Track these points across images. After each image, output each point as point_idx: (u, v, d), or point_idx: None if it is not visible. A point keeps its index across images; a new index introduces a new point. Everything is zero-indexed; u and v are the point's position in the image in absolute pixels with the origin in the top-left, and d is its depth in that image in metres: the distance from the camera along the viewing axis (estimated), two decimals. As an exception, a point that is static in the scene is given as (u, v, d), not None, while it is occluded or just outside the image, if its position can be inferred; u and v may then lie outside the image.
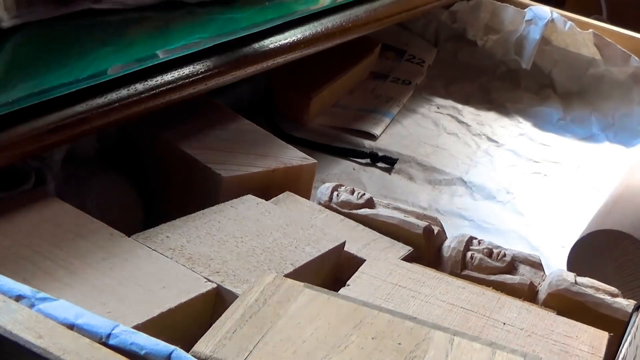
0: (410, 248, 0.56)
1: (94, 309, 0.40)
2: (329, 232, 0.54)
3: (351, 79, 0.94)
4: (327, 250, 0.52)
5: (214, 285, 0.45)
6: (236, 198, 0.56)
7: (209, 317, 0.45)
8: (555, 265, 0.66)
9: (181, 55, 0.60)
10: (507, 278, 0.54)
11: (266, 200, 0.57)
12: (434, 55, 1.03)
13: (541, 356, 0.45)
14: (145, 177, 0.64)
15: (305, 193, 0.65)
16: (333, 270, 0.54)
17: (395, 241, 0.57)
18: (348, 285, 0.49)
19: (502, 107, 0.96)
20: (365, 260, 0.53)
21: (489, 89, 0.99)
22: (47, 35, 0.58)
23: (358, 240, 0.56)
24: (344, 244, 0.54)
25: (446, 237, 0.58)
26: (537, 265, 0.55)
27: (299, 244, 0.51)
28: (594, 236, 0.63)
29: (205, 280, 0.45)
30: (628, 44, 0.96)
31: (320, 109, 0.89)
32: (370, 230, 0.58)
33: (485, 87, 0.99)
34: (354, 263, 0.53)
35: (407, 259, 0.55)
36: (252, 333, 0.40)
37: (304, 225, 0.54)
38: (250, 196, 0.57)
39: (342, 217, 0.59)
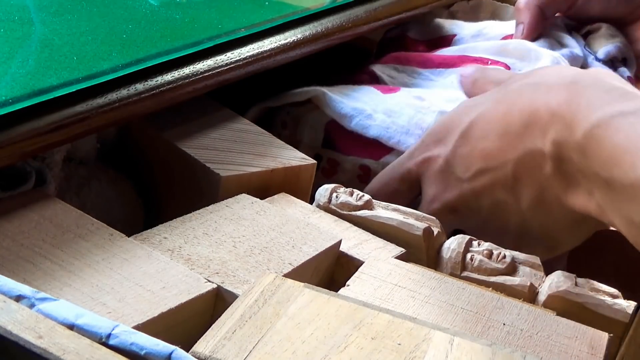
0: (402, 249, 0.56)
1: (94, 309, 0.40)
2: (324, 230, 0.54)
3: (351, 79, 0.94)
4: (324, 248, 0.52)
5: (214, 286, 0.45)
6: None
7: (209, 318, 0.45)
8: (555, 266, 0.66)
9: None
10: (507, 279, 0.54)
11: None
12: (433, 55, 1.03)
13: (541, 357, 0.45)
14: (146, 177, 0.64)
15: (304, 193, 0.65)
16: (329, 269, 0.54)
17: (388, 242, 0.57)
18: (348, 286, 0.49)
19: (502, 108, 0.95)
20: (358, 260, 0.53)
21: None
22: None
23: (350, 240, 0.56)
24: (340, 242, 0.54)
25: (446, 239, 0.58)
26: (537, 267, 0.55)
27: (296, 243, 0.51)
28: (593, 236, 0.62)
29: (206, 280, 0.45)
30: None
31: (320, 109, 0.88)
32: (363, 230, 0.58)
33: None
34: (345, 262, 0.54)
35: (401, 259, 0.54)
36: (251, 333, 0.40)
37: (300, 224, 0.54)
38: (244, 195, 0.57)
39: (335, 217, 0.59)
